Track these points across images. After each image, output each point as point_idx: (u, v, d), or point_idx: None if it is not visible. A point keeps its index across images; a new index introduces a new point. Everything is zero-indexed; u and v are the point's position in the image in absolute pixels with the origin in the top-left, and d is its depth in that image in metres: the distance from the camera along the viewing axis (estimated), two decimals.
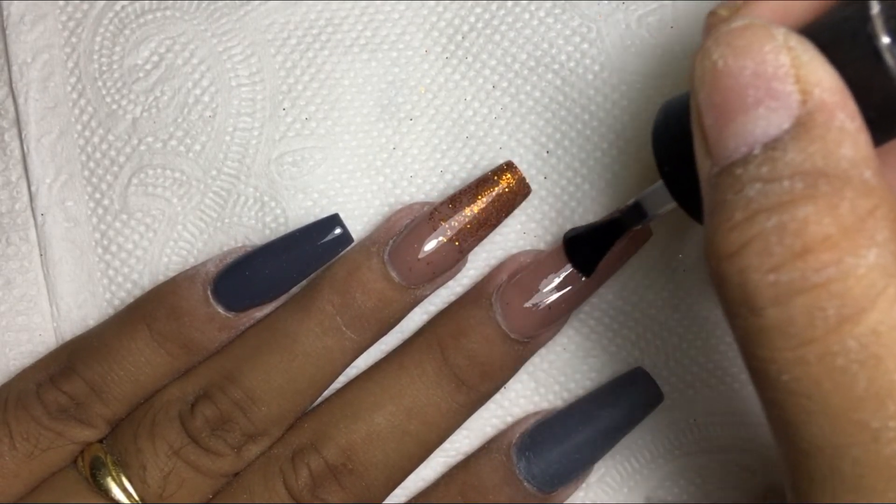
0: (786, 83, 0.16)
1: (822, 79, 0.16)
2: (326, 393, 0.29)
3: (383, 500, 0.28)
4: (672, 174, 0.21)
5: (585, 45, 0.29)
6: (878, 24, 0.16)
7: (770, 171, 0.16)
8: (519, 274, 0.28)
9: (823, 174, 0.16)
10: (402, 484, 0.29)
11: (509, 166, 0.28)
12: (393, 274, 0.27)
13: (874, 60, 0.16)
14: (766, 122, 0.17)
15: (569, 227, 0.30)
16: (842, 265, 0.15)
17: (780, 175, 0.16)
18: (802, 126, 0.16)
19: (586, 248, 0.27)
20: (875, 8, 0.16)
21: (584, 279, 0.27)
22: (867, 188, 0.16)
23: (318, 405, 0.29)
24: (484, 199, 0.28)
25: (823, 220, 0.16)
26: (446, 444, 0.30)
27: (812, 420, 0.16)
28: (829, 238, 0.15)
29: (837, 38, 0.17)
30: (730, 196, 0.17)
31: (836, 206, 0.16)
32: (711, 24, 0.20)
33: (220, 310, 0.28)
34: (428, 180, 0.30)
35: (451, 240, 0.27)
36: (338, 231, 0.28)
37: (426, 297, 0.29)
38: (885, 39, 0.16)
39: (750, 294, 0.16)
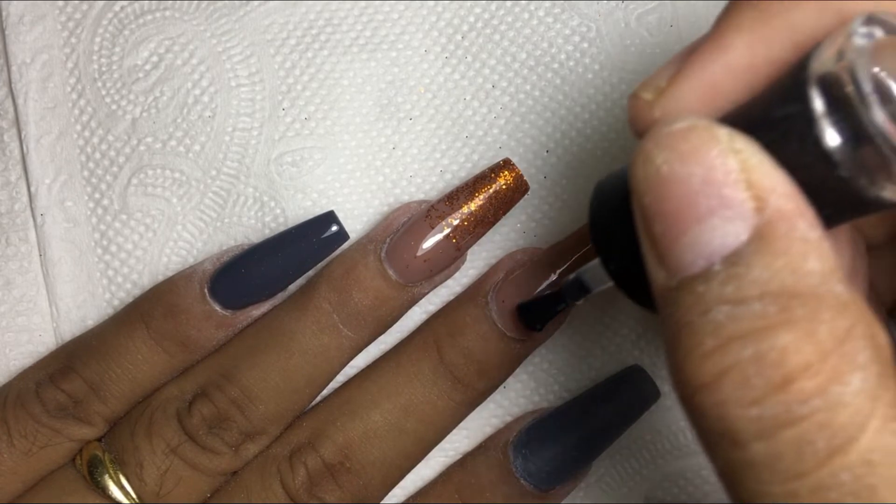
0: (737, 190, 0.16)
1: (776, 185, 0.16)
2: (325, 392, 0.29)
3: (381, 498, 0.28)
4: (616, 267, 0.21)
5: (585, 45, 0.29)
6: (825, 126, 0.15)
7: (736, 291, 0.15)
8: (515, 272, 0.28)
9: (795, 295, 0.15)
10: (401, 483, 0.29)
11: (507, 164, 0.28)
12: (390, 272, 0.27)
13: (828, 166, 0.16)
14: (723, 232, 0.16)
15: (569, 226, 0.30)
16: (827, 395, 0.15)
17: (748, 296, 0.15)
18: (763, 239, 0.15)
19: (534, 314, 0.27)
20: (818, 107, 0.15)
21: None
22: (842, 305, 0.15)
23: (316, 404, 0.29)
24: (481, 197, 0.28)
25: (803, 348, 0.15)
26: (445, 444, 0.30)
27: None
28: (810, 367, 0.15)
29: (783, 139, 0.16)
30: (695, 318, 0.16)
31: (814, 332, 0.15)
32: (637, 110, 0.19)
33: (217, 308, 0.28)
34: (427, 180, 0.30)
35: (448, 237, 0.27)
36: (333, 228, 0.28)
37: (424, 295, 0.29)
38: (835, 142, 0.15)
39: (731, 428, 0.15)
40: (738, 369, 0.15)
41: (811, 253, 0.15)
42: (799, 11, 0.17)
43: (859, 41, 0.15)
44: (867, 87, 0.15)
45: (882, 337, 0.15)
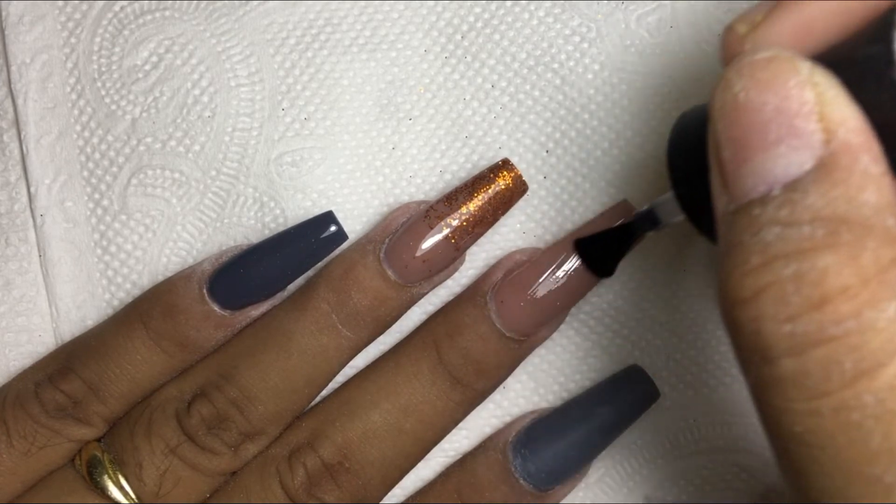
0: (809, 121, 0.16)
1: (847, 118, 0.16)
2: (324, 392, 0.29)
3: (380, 499, 0.28)
4: (686, 193, 0.21)
5: (585, 45, 0.29)
6: None
7: (790, 215, 0.16)
8: (514, 272, 0.28)
9: (845, 221, 0.15)
10: (401, 483, 0.29)
11: (505, 164, 0.28)
12: (389, 272, 0.27)
13: None
14: (787, 161, 0.16)
15: (569, 226, 0.30)
16: (861, 318, 0.15)
17: (799, 219, 0.16)
18: (825, 168, 0.16)
19: (601, 251, 0.27)
20: None
21: (577, 277, 0.27)
22: (890, 237, 0.15)
23: (316, 404, 0.29)
24: (480, 197, 0.28)
25: (844, 271, 0.15)
26: (445, 445, 0.30)
27: (824, 472, 0.16)
28: (848, 289, 0.15)
29: (862, 78, 0.16)
30: (746, 238, 0.16)
31: (857, 257, 0.15)
32: (729, 42, 0.19)
33: (216, 308, 0.28)
34: (427, 180, 0.30)
35: (447, 237, 0.27)
36: (332, 228, 0.28)
37: (423, 295, 0.29)
38: None
39: (764, 343, 0.16)
40: (778, 286, 0.16)
41: (869, 185, 0.16)
42: None
43: None
44: None
45: None
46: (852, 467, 0.15)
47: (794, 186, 0.16)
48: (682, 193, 0.21)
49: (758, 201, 0.16)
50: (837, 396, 0.15)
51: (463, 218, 0.27)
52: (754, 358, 0.16)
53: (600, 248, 0.27)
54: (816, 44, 0.18)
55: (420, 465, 0.29)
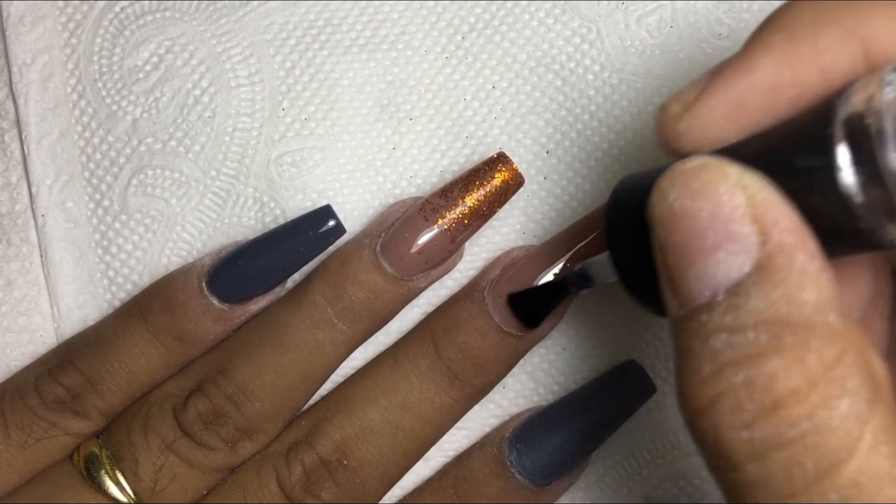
0: (743, 225, 0.16)
1: (780, 219, 0.16)
2: (323, 391, 0.29)
3: (380, 497, 0.28)
4: (623, 261, 0.21)
5: (585, 46, 0.29)
6: (850, 182, 0.16)
7: (734, 321, 0.16)
8: (512, 268, 0.28)
9: (787, 324, 0.16)
10: (400, 484, 0.29)
11: (501, 157, 0.28)
12: (385, 265, 0.27)
13: (850, 219, 0.16)
14: (727, 265, 0.16)
15: (568, 227, 0.30)
16: (815, 419, 0.15)
17: (744, 324, 0.16)
18: (763, 270, 0.16)
19: (531, 305, 0.27)
20: (843, 160, 0.16)
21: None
22: (833, 334, 0.16)
23: (314, 402, 0.29)
24: (476, 190, 0.27)
25: (791, 374, 0.15)
26: (445, 444, 0.30)
27: None
28: (798, 392, 0.15)
29: (805, 186, 0.16)
30: (697, 345, 0.17)
31: (802, 359, 0.15)
32: (664, 122, 0.20)
33: (215, 301, 0.28)
34: (427, 180, 0.30)
35: (443, 230, 0.27)
36: (331, 223, 0.28)
37: (421, 290, 0.29)
38: (856, 193, 0.16)
39: (725, 450, 0.16)
40: (731, 393, 0.16)
41: (808, 284, 0.16)
42: (824, 38, 0.18)
43: (889, 93, 0.15)
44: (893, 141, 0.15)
45: (877, 364, 0.16)
46: None
47: (736, 291, 0.16)
48: (619, 261, 0.21)
49: (704, 307, 0.17)
50: (803, 496, 0.15)
51: (458, 210, 0.27)
52: (720, 464, 0.16)
53: (531, 302, 0.27)
54: (750, 122, 0.19)
55: (420, 465, 0.29)
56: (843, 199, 0.16)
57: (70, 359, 0.28)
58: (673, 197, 0.17)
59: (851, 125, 0.16)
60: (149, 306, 0.28)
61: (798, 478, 0.15)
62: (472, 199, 0.27)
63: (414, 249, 0.27)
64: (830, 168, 0.16)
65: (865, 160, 0.15)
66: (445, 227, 0.27)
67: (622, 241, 0.21)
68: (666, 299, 0.18)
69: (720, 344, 0.16)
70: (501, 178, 0.28)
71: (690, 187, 0.17)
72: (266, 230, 0.30)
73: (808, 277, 0.16)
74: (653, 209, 0.18)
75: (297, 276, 0.29)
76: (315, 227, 0.28)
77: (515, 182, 0.28)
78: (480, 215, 0.28)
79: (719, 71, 0.19)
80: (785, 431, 0.15)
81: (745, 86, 0.18)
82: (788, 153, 0.17)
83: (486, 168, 0.28)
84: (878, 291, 0.21)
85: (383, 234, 0.28)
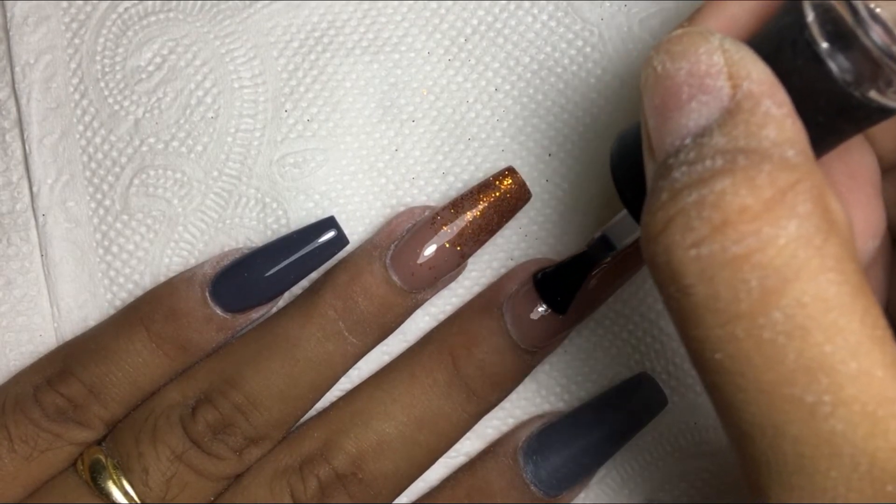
0: (718, 79, 0.17)
1: (751, 71, 0.17)
2: (329, 395, 0.29)
3: None
4: (634, 200, 0.21)
5: (588, 48, 0.30)
6: (815, 31, 0.17)
7: (696, 156, 0.16)
8: (528, 283, 0.28)
9: (743, 150, 0.16)
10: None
11: (510, 171, 0.28)
12: (395, 278, 0.27)
13: (815, 65, 0.17)
14: (698, 114, 0.17)
15: (571, 230, 0.30)
16: (761, 235, 0.15)
17: (703, 156, 0.16)
18: (729, 114, 0.16)
19: (558, 287, 0.27)
20: (810, 15, 0.17)
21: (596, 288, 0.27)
22: (788, 164, 0.16)
23: (328, 412, 0.29)
24: (485, 204, 0.28)
25: (740, 192, 0.15)
26: None
27: (749, 399, 0.16)
28: (747, 209, 0.15)
29: (779, 48, 0.17)
30: (660, 183, 0.17)
31: (753, 178, 0.15)
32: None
33: (218, 311, 0.28)
34: (430, 182, 0.30)
35: (453, 244, 0.28)
36: (333, 233, 0.28)
37: (427, 300, 0.29)
38: (823, 44, 0.17)
39: (676, 271, 0.16)
40: (683, 213, 0.16)
41: (770, 123, 0.16)
42: None
43: None
44: None
45: (834, 204, 0.16)
46: (773, 390, 0.15)
47: (701, 133, 0.17)
48: (630, 199, 0.21)
49: (672, 153, 0.17)
50: (749, 317, 0.15)
51: (468, 225, 0.28)
52: (671, 290, 0.16)
53: (557, 282, 0.27)
54: (743, 36, 0.19)
55: None
56: (810, 45, 0.17)
57: (69, 368, 0.27)
58: (656, 62, 0.18)
59: None
60: (151, 316, 0.28)
61: (743, 296, 0.15)
62: (481, 214, 0.28)
63: (424, 264, 0.27)
64: (800, 20, 0.17)
65: (828, 13, 0.16)
66: (455, 242, 0.27)
67: (634, 188, 0.21)
68: (646, 167, 0.18)
69: (679, 174, 0.16)
70: (511, 192, 0.28)
71: (673, 50, 0.17)
72: (268, 231, 0.30)
73: (770, 118, 0.16)
74: (641, 78, 0.18)
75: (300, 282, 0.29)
76: (318, 237, 0.28)
77: (523, 197, 0.28)
78: (490, 229, 0.28)
79: None
80: (731, 247, 0.15)
81: (734, 7, 0.19)
82: (766, 27, 0.18)
83: (495, 182, 0.28)
84: (883, 246, 0.21)
85: (393, 247, 0.28)
